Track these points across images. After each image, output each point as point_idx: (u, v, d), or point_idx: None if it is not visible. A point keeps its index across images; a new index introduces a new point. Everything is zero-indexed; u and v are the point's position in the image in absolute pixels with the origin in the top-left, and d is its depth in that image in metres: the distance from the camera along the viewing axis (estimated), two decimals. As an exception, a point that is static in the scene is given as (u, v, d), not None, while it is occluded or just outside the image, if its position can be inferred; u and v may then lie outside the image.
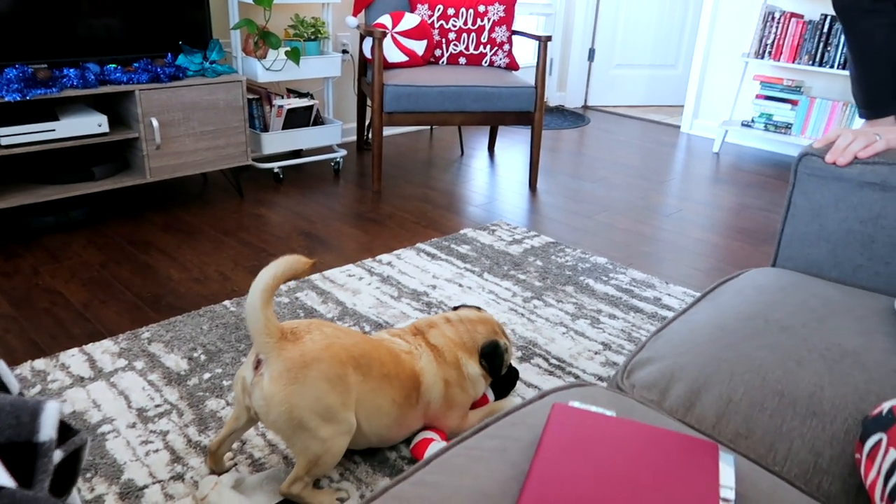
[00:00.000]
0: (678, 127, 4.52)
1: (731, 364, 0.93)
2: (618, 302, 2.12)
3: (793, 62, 3.63)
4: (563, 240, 2.61)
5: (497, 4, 3.27)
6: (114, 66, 2.46)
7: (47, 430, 0.69)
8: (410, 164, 3.53)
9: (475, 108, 3.00)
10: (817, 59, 3.55)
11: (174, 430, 1.48)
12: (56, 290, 2.05)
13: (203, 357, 1.75)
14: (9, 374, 1.00)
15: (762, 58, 3.73)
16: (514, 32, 3.33)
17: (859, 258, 1.22)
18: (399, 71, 3.07)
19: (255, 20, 3.12)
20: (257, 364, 1.20)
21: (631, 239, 2.65)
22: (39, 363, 1.69)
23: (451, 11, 3.25)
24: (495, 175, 3.40)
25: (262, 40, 2.86)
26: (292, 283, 2.15)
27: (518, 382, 1.70)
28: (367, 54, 3.23)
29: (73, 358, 1.72)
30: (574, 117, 4.69)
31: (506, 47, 3.33)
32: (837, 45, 3.53)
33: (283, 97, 3.12)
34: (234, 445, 1.44)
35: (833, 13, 3.51)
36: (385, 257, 2.37)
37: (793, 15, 3.60)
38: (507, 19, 3.29)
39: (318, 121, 3.21)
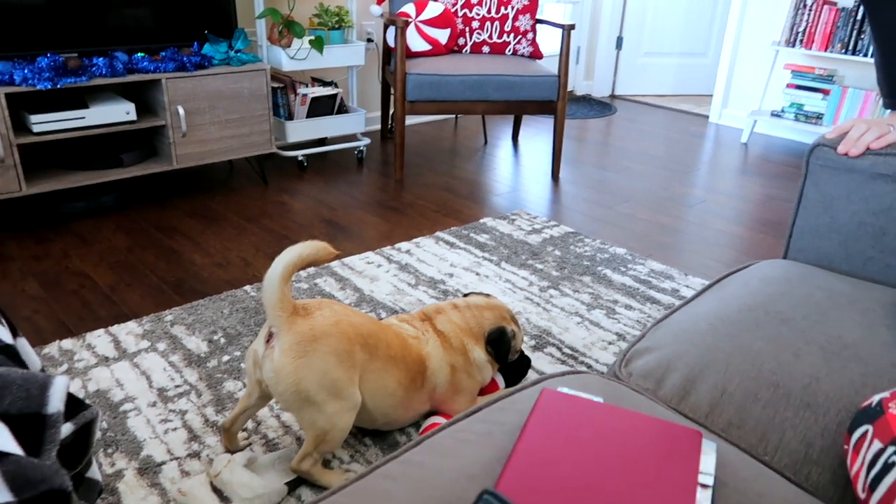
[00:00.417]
0: (706, 117, 4.45)
1: (728, 355, 0.94)
2: (635, 293, 2.12)
3: (825, 50, 3.55)
4: (583, 230, 2.60)
5: (521, -8, 3.25)
6: (141, 55, 2.52)
7: (55, 402, 0.73)
8: (434, 152, 3.54)
9: (497, 97, 3.00)
10: (850, 47, 3.47)
11: (192, 410, 1.53)
12: (84, 273, 2.12)
13: (223, 340, 1.79)
14: (31, 353, 1.06)
15: (793, 46, 3.65)
16: (538, 21, 3.31)
17: (870, 250, 1.21)
18: (422, 59, 3.08)
19: (280, 9, 3.16)
20: (269, 337, 1.24)
21: (652, 230, 2.63)
22: (67, 343, 1.76)
23: (474, 0, 3.24)
24: (518, 164, 3.39)
25: (286, 29, 2.90)
26: (312, 270, 2.19)
27: (530, 371, 1.71)
28: (391, 43, 3.24)
29: (99, 338, 1.78)
30: (600, 106, 4.65)
31: (529, 36, 3.32)
32: (872, 33, 3.43)
33: (307, 86, 3.16)
34: (249, 426, 1.48)
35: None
36: (404, 245, 2.40)
37: (825, 2, 3.51)
38: (532, 7, 3.28)
39: (342, 109, 3.25)
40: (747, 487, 0.70)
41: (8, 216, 2.52)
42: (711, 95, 4.96)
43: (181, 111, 2.55)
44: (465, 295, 1.59)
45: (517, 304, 2.03)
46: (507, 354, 1.48)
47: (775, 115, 3.78)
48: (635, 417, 0.74)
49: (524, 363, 1.65)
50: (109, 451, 1.40)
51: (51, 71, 2.29)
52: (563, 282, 2.17)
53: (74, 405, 0.85)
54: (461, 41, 3.30)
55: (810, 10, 3.56)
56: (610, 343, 1.85)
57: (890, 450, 0.66)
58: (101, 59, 2.41)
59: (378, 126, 3.92)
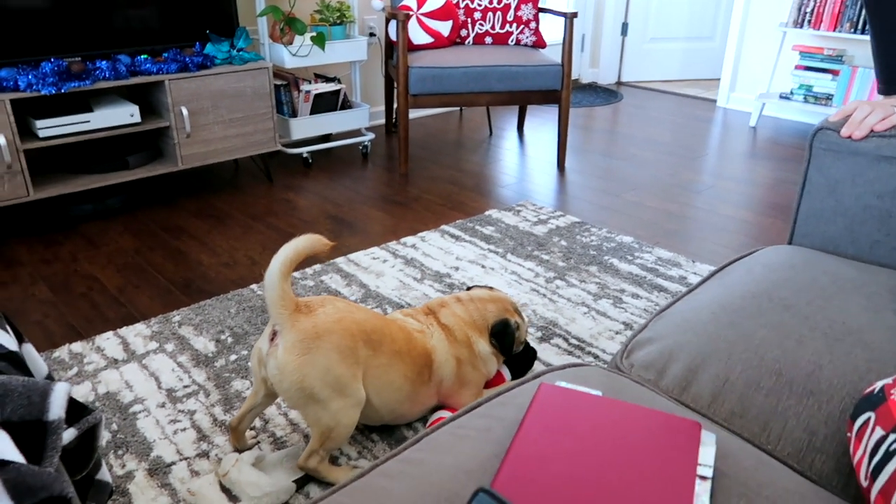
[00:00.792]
0: (714, 101, 4.40)
1: (730, 343, 0.93)
2: (642, 281, 2.11)
3: (833, 30, 3.49)
4: (590, 219, 2.59)
5: (522, -18, 3.23)
6: (144, 56, 2.52)
7: (56, 409, 0.74)
8: (439, 145, 3.53)
9: (500, 87, 2.98)
10: (859, 26, 3.41)
11: (201, 410, 1.54)
12: (93, 276, 2.14)
13: (230, 339, 1.80)
14: (37, 359, 1.06)
15: (801, 27, 3.60)
16: (541, 10, 3.29)
17: (876, 234, 1.19)
18: (424, 53, 3.07)
19: (281, 6, 3.16)
20: (273, 335, 1.24)
21: (659, 217, 2.61)
22: (77, 346, 1.77)
23: (475, -10, 3.22)
24: (523, 155, 3.38)
25: (287, 26, 2.90)
26: (317, 266, 2.19)
27: (536, 363, 1.71)
28: (393, 37, 3.23)
29: (108, 341, 1.80)
30: (606, 94, 4.62)
31: (532, 25, 3.29)
32: (880, 11, 3.38)
33: (310, 82, 3.16)
34: (257, 424, 1.49)
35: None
36: (409, 240, 2.39)
37: (833, -19, 3.46)
38: (533, -4, 3.25)
39: (346, 105, 3.24)
40: (749, 478, 0.70)
41: (17, 221, 2.54)
42: (719, 79, 4.91)
43: (185, 112, 2.56)
44: (469, 288, 1.59)
45: (523, 295, 2.02)
46: (511, 346, 1.48)
47: (784, 97, 3.74)
48: (633, 410, 0.74)
49: (530, 355, 1.65)
50: (120, 452, 1.41)
51: (55, 76, 2.30)
52: (569, 272, 2.16)
53: (78, 410, 0.86)
54: (463, 33, 3.29)
55: (817, -11, 3.50)
56: (617, 333, 1.84)
57: (892, 437, 0.65)
58: (104, 62, 2.42)
59: (382, 121, 3.91)
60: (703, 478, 0.65)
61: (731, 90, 4.24)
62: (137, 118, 2.50)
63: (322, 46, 2.94)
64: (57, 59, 2.36)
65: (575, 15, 2.97)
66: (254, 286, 2.07)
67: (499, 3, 3.24)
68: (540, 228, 2.49)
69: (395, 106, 3.76)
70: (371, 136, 3.34)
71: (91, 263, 2.22)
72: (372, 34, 3.65)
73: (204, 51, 2.69)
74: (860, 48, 3.60)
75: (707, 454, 0.68)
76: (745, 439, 0.83)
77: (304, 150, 3.17)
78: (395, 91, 3.77)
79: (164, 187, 2.91)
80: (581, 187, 2.92)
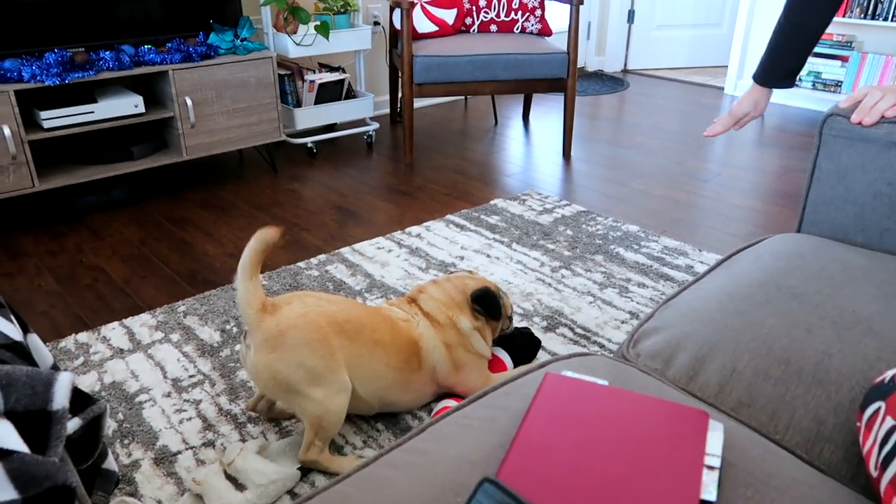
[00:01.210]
0: (721, 88, 4.37)
1: (738, 332, 0.92)
2: (648, 270, 2.09)
3: (843, 16, 3.45)
4: (596, 208, 2.57)
5: (528, -32, 3.20)
6: (148, 47, 2.51)
7: (60, 399, 0.73)
8: (444, 134, 3.52)
9: (506, 76, 2.96)
10: (869, 11, 3.37)
11: (206, 400, 1.54)
12: (98, 267, 2.14)
13: (235, 329, 1.80)
14: (42, 349, 1.06)
15: (809, 13, 3.55)
16: (546, -3, 3.26)
17: (887, 221, 1.18)
18: (429, 41, 3.05)
19: (286, -5, 3.13)
20: (245, 336, 1.30)
21: (665, 206, 2.59)
22: (83, 336, 1.78)
23: (480, -22, 3.20)
24: (529, 144, 3.36)
25: (291, 15, 2.88)
26: (322, 257, 2.19)
27: (541, 352, 1.70)
28: (397, 25, 3.21)
29: (114, 331, 1.80)
30: (613, 82, 4.59)
31: (538, 13, 3.26)
32: (891, -4, 3.34)
33: (314, 72, 3.15)
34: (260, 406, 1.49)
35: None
36: (414, 229, 2.39)
37: (842, -34, 3.41)
38: (539, -17, 3.22)
39: (351, 94, 3.23)
40: (756, 467, 0.69)
41: (22, 212, 2.55)
42: (726, 66, 4.87)
43: (189, 102, 2.55)
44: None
45: (528, 285, 2.01)
46: (497, 310, 1.47)
47: (792, 84, 3.69)
48: (640, 399, 0.73)
49: (534, 343, 1.64)
50: (126, 441, 1.42)
51: (58, 66, 2.30)
52: (574, 261, 2.15)
53: (82, 400, 0.86)
54: (468, 21, 3.26)
55: (826, -26, 3.46)
56: (623, 322, 1.83)
57: (902, 427, 0.64)
58: (107, 52, 2.41)
59: (387, 110, 3.89)
60: (711, 468, 0.65)
61: (739, 77, 4.20)
62: (142, 109, 2.50)
63: (326, 36, 2.93)
64: (61, 50, 2.35)
65: (581, 2, 2.94)
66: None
67: (504, -10, 3.21)
68: (545, 217, 2.48)
69: (399, 95, 3.74)
70: (375, 125, 3.33)
71: (96, 254, 2.23)
72: (376, 23, 3.63)
73: (208, 41, 2.68)
74: (870, 34, 3.56)
75: (715, 444, 0.67)
76: (752, 429, 0.82)
77: (308, 140, 3.16)
78: (400, 80, 3.75)
79: (168, 178, 2.91)
80: (587, 176, 2.91)
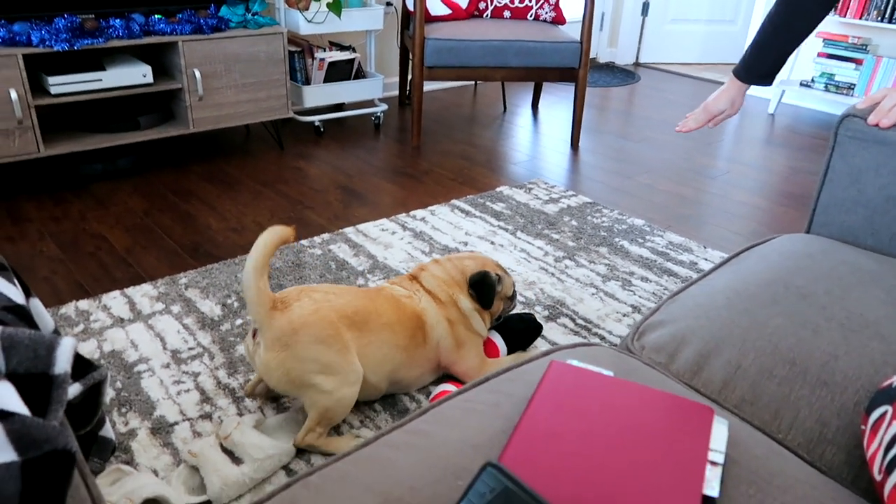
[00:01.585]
0: (733, 86, 4.33)
1: (744, 330, 0.91)
2: (652, 265, 2.09)
3: (859, 18, 3.42)
4: (601, 200, 2.56)
5: (545, -45, 3.16)
6: (158, 17, 2.49)
7: (62, 363, 0.73)
8: (452, 119, 3.50)
9: (517, 63, 2.94)
10: (887, 14, 3.34)
11: (205, 372, 1.54)
12: (101, 235, 2.14)
13: (236, 304, 1.80)
14: (44, 314, 1.06)
15: (826, 13, 3.52)
16: (562, -15, 3.22)
17: (897, 226, 1.17)
18: (441, 24, 3.02)
19: (299, -29, 3.10)
20: (255, 333, 1.28)
21: (672, 201, 2.58)
22: (83, 303, 1.77)
23: (496, -38, 3.16)
24: (537, 133, 3.34)
25: (304, -9, 2.85)
26: (326, 236, 2.18)
27: (542, 341, 1.70)
28: (410, 7, 3.18)
29: (115, 300, 1.80)
30: (624, 74, 4.56)
31: (552, 0, 3.23)
32: (909, 1, 3.31)
33: (324, 50, 3.12)
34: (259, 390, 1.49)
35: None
36: (419, 213, 2.38)
37: (862, -33, 3.38)
38: (555, -29, 3.19)
39: (360, 74, 3.21)
40: (759, 465, 0.69)
41: (27, 178, 2.54)
42: (738, 64, 4.83)
43: (198, 74, 2.53)
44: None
45: (532, 273, 2.01)
46: (490, 298, 1.47)
47: (804, 84, 3.67)
48: (645, 391, 0.73)
49: (533, 328, 1.64)
50: (123, 410, 1.42)
51: (68, 32, 2.28)
52: (578, 252, 2.14)
53: (83, 366, 0.85)
54: (482, 5, 3.23)
55: (845, -25, 3.43)
56: (624, 315, 1.83)
57: (909, 431, 0.64)
58: (117, 20, 2.39)
59: (396, 92, 3.87)
60: (714, 463, 0.64)
61: (751, 76, 4.16)
62: (150, 79, 2.48)
63: (338, 14, 2.90)
64: (71, 16, 2.33)
65: (597, -9, 2.91)
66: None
67: (519, -24, 3.18)
68: (551, 207, 2.47)
69: (409, 77, 3.72)
70: (384, 107, 3.31)
71: (100, 223, 2.22)
72: (389, 3, 3.60)
73: (219, 13, 2.66)
74: (886, 37, 3.53)
75: (719, 440, 0.67)
76: (755, 427, 0.82)
77: (316, 119, 3.15)
78: (410, 62, 3.72)
79: (174, 150, 2.90)
80: (594, 168, 2.89)
